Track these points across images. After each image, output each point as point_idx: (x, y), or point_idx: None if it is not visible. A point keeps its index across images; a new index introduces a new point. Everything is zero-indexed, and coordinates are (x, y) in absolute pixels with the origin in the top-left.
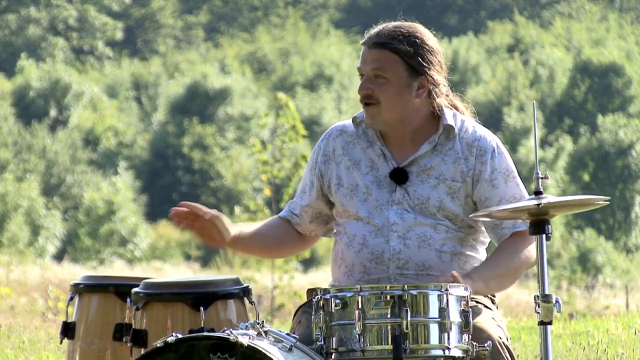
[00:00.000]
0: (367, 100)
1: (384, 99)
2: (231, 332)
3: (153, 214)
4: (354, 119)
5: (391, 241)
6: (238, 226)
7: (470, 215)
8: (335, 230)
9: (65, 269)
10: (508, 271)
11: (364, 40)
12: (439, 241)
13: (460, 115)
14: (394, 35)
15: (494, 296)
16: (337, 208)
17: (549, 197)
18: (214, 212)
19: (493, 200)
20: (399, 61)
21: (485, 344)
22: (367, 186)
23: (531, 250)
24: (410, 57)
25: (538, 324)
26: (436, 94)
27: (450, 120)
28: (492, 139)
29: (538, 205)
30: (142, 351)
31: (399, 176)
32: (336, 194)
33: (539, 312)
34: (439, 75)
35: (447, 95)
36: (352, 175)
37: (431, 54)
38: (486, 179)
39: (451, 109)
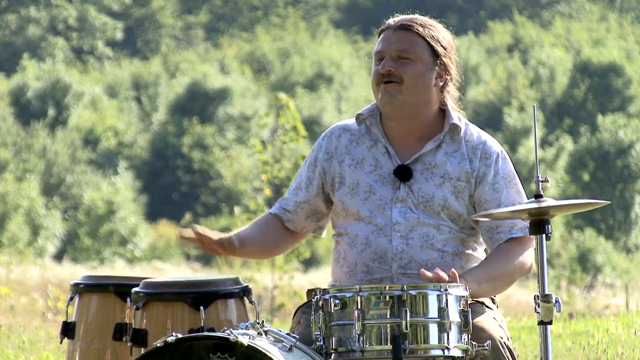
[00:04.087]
0: (389, 79)
1: (407, 78)
2: (231, 332)
3: (153, 214)
4: (357, 116)
5: (394, 240)
6: (235, 233)
7: (471, 217)
8: (335, 232)
9: (65, 269)
10: (502, 275)
11: (384, 27)
12: (441, 241)
13: (464, 119)
14: (417, 21)
15: (495, 296)
16: (337, 207)
17: (549, 201)
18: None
19: (492, 204)
20: (423, 44)
21: (485, 344)
22: (370, 185)
23: (526, 257)
24: (434, 41)
25: (538, 324)
26: (448, 92)
27: (456, 120)
28: (497, 145)
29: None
30: (142, 351)
31: (403, 173)
32: (337, 193)
33: (539, 312)
34: (454, 70)
35: (458, 101)
36: (355, 174)
37: (450, 46)
38: (488, 182)
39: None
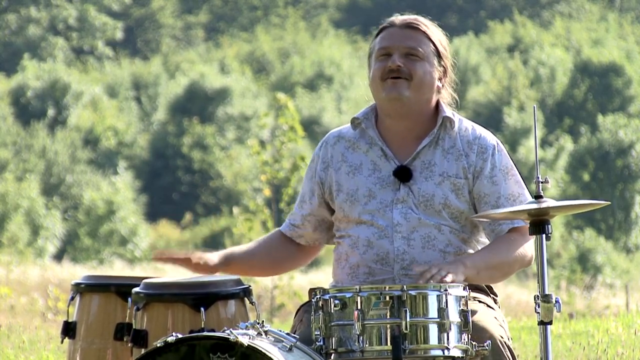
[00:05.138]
0: (397, 74)
1: (416, 76)
2: (231, 332)
3: (153, 214)
4: (353, 120)
5: (395, 242)
6: (231, 248)
7: (471, 217)
8: (336, 235)
9: (65, 269)
10: (502, 265)
11: (386, 25)
12: (442, 242)
13: (458, 115)
14: (422, 20)
15: (496, 295)
16: (338, 214)
17: (549, 201)
18: (187, 253)
19: (492, 197)
20: (429, 44)
21: (485, 344)
22: (370, 189)
23: (527, 248)
24: (437, 42)
25: (538, 324)
26: (444, 94)
27: (448, 113)
28: (492, 138)
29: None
30: (143, 351)
31: (403, 174)
32: (336, 200)
33: (539, 312)
34: (450, 73)
35: (452, 103)
36: (353, 180)
37: (448, 49)
38: (486, 176)
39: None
